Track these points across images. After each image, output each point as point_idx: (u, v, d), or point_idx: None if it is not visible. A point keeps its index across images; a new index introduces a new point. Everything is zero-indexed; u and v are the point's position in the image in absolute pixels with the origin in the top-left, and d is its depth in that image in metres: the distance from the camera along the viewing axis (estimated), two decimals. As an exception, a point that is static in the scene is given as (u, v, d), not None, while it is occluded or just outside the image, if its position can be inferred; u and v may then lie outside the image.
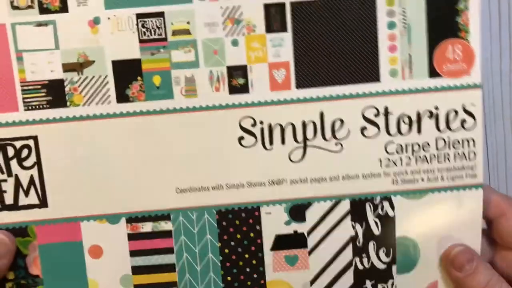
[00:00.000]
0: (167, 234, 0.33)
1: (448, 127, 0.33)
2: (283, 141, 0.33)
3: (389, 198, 0.33)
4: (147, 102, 0.32)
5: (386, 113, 0.32)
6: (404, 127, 0.33)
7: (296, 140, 0.33)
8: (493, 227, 0.33)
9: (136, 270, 0.34)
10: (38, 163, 0.33)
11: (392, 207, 0.33)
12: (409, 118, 0.32)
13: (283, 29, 0.32)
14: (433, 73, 0.32)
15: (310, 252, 0.34)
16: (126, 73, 0.32)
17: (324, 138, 0.33)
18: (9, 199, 0.33)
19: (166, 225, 0.33)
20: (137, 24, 0.32)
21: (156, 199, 0.33)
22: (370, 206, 0.33)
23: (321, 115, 0.32)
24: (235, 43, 0.32)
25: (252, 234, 0.34)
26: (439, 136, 0.33)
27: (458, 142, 0.33)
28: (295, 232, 0.34)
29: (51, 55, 0.32)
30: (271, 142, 0.33)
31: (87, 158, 0.32)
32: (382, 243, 0.34)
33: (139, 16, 0.32)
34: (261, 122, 0.32)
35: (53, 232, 0.33)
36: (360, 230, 0.34)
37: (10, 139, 0.32)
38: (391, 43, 0.32)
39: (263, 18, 0.32)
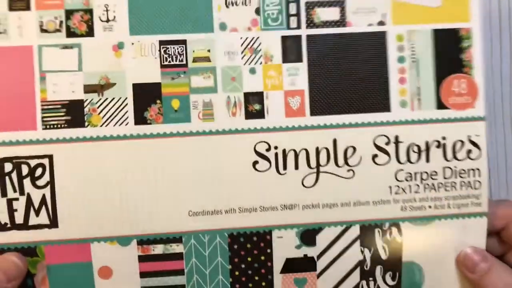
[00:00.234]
0: (178, 256, 0.33)
1: (455, 156, 0.34)
2: (296, 167, 0.33)
3: (397, 224, 0.34)
4: (164, 125, 0.33)
5: (397, 141, 0.34)
6: (413, 156, 0.34)
7: (309, 166, 0.33)
8: (503, 233, 0.34)
9: (146, 292, 0.33)
10: (51, 182, 0.33)
11: (400, 232, 0.34)
12: (418, 147, 0.34)
13: (299, 59, 0.33)
14: (440, 105, 0.34)
15: (319, 275, 0.34)
16: (146, 96, 0.33)
17: (337, 164, 0.34)
18: (19, 218, 0.33)
19: (177, 248, 0.33)
20: (159, 50, 0.33)
21: (169, 222, 0.33)
22: (379, 231, 0.34)
23: (334, 142, 0.33)
24: (252, 71, 0.33)
25: (263, 257, 0.34)
26: (447, 165, 0.34)
27: (464, 171, 0.34)
28: (305, 256, 0.34)
29: (74, 76, 0.32)
30: (284, 167, 0.33)
31: (101, 179, 0.33)
32: (389, 267, 0.34)
33: (162, 42, 0.33)
34: (276, 147, 0.33)
35: (63, 253, 0.33)
36: (368, 254, 0.34)
37: (26, 157, 0.32)
38: (401, 75, 0.34)
39: (280, 49, 0.33)
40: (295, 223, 0.34)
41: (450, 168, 0.34)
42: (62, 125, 0.32)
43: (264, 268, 0.34)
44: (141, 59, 0.33)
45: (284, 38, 0.33)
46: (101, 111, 0.33)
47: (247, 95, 0.33)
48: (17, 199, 0.32)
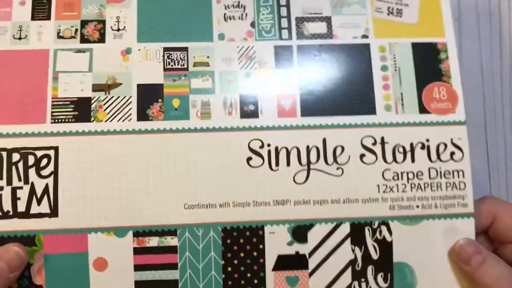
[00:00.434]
0: (172, 249, 0.34)
1: (439, 158, 0.36)
2: (288, 163, 0.35)
3: (386, 223, 0.35)
4: (165, 121, 0.35)
5: (383, 142, 0.36)
6: (399, 156, 0.36)
7: (300, 163, 0.35)
8: (490, 231, 0.35)
9: (139, 285, 0.34)
10: (55, 173, 0.34)
11: (390, 232, 0.35)
12: (403, 148, 0.36)
13: (290, 65, 0.36)
14: (422, 109, 0.36)
15: (310, 274, 0.34)
16: (149, 95, 0.35)
17: (326, 162, 0.35)
18: (21, 206, 0.34)
19: (172, 241, 0.34)
20: (163, 56, 0.36)
21: (165, 214, 0.34)
22: (369, 230, 0.35)
23: (324, 141, 0.35)
24: (248, 75, 0.36)
25: (255, 253, 0.34)
26: (431, 166, 0.36)
27: (449, 172, 0.36)
28: (297, 253, 0.34)
29: (84, 76, 0.36)
30: (277, 164, 0.35)
31: (102, 170, 0.34)
32: (380, 267, 0.35)
33: (166, 49, 0.36)
34: (269, 145, 0.35)
35: (60, 242, 0.34)
36: (359, 253, 0.35)
37: (33, 148, 0.34)
38: (384, 82, 0.37)
39: (273, 56, 0.37)
40: (287, 218, 0.35)
41: (435, 169, 0.36)
42: (70, 120, 0.35)
43: (257, 265, 0.34)
44: (146, 62, 0.36)
45: (276, 47, 0.37)
46: (107, 107, 0.35)
47: (242, 96, 0.36)
48: (21, 187, 0.34)
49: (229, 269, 0.34)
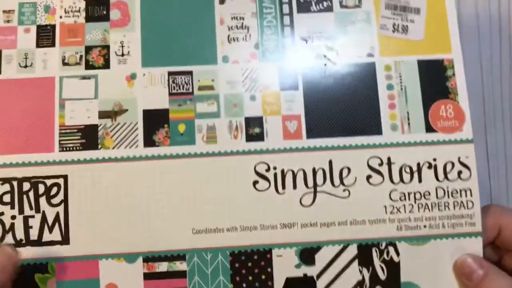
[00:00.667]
0: (181, 274, 0.35)
1: (446, 177, 0.36)
2: (294, 186, 0.35)
3: (394, 243, 0.35)
4: (171, 147, 0.35)
5: (389, 163, 0.36)
6: (406, 176, 0.36)
7: (306, 186, 0.35)
8: (496, 240, 0.35)
9: (149, 309, 0.34)
10: (65, 201, 0.35)
11: (397, 252, 0.35)
12: (410, 168, 0.36)
13: (295, 87, 0.36)
14: (429, 128, 0.36)
15: (319, 296, 0.35)
16: (155, 120, 0.36)
17: (332, 184, 0.35)
18: (34, 234, 0.35)
19: (181, 265, 0.35)
20: (168, 80, 0.36)
21: (173, 239, 0.35)
22: (376, 251, 0.35)
23: (330, 163, 0.35)
24: (253, 98, 0.36)
25: (263, 277, 0.35)
26: (439, 186, 0.35)
27: (457, 191, 0.35)
28: (305, 275, 0.35)
29: (90, 103, 0.36)
30: (283, 187, 0.35)
31: (111, 198, 0.35)
32: (388, 287, 0.35)
33: (170, 73, 0.36)
34: (275, 168, 0.35)
35: (72, 269, 0.34)
36: (367, 274, 0.35)
37: (43, 177, 0.35)
38: (390, 101, 0.36)
39: (278, 79, 0.36)
40: (294, 241, 0.35)
41: (443, 188, 0.36)
42: (77, 148, 0.35)
43: (265, 288, 0.35)
44: (151, 87, 0.36)
45: (281, 69, 0.36)
46: (114, 134, 0.35)
47: (247, 120, 0.36)
48: (33, 216, 0.35)
49: (238, 292, 0.35)
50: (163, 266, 0.35)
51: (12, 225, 0.34)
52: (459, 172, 0.36)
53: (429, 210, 0.35)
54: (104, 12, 0.37)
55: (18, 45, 0.37)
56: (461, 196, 0.35)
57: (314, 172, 0.35)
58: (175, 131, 0.36)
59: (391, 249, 0.35)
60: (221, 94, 0.36)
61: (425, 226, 0.35)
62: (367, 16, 0.37)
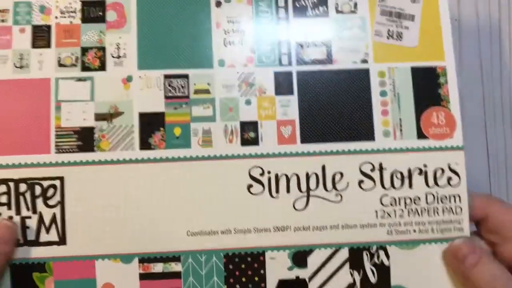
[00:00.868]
0: (176, 275, 0.35)
1: (436, 183, 0.36)
2: (288, 190, 0.36)
3: (384, 247, 0.36)
4: (166, 150, 0.36)
5: (381, 168, 0.36)
6: (397, 182, 0.36)
7: (300, 190, 0.36)
8: (483, 228, 0.36)
9: (145, 309, 0.35)
10: (62, 202, 0.35)
11: (388, 256, 0.36)
12: (401, 174, 0.36)
13: (290, 92, 0.37)
14: (420, 135, 0.37)
15: (311, 298, 0.36)
16: (151, 123, 0.36)
17: (325, 189, 0.36)
18: (31, 235, 0.35)
19: (176, 266, 0.35)
20: (164, 83, 0.36)
21: (168, 241, 0.35)
22: (367, 254, 0.36)
23: (323, 168, 0.36)
24: (248, 102, 0.36)
25: (256, 278, 0.36)
26: (429, 191, 0.36)
27: (446, 197, 0.36)
28: (297, 277, 0.36)
29: (86, 106, 0.36)
30: (277, 191, 0.36)
31: (107, 199, 0.35)
32: (379, 291, 0.36)
33: (166, 76, 0.36)
34: (269, 172, 0.36)
35: (69, 269, 0.35)
36: (358, 277, 0.36)
37: (39, 179, 0.35)
38: (383, 108, 0.37)
39: (273, 83, 0.37)
40: (287, 244, 0.36)
41: (432, 194, 0.36)
42: (73, 150, 0.36)
43: (258, 289, 0.36)
44: (147, 90, 0.36)
45: (276, 74, 0.37)
46: (110, 137, 0.36)
47: (243, 124, 0.36)
48: (29, 217, 0.35)
49: (232, 293, 0.36)
50: (158, 267, 0.35)
51: (9, 226, 0.35)
52: (449, 179, 0.36)
53: (419, 215, 0.36)
54: (100, 13, 0.37)
55: (13, 45, 0.36)
56: (450, 202, 0.36)
57: (308, 176, 0.36)
58: (170, 134, 0.36)
59: (381, 253, 0.36)
60: (217, 98, 0.36)
61: (414, 231, 0.36)
62: (362, 22, 0.38)
